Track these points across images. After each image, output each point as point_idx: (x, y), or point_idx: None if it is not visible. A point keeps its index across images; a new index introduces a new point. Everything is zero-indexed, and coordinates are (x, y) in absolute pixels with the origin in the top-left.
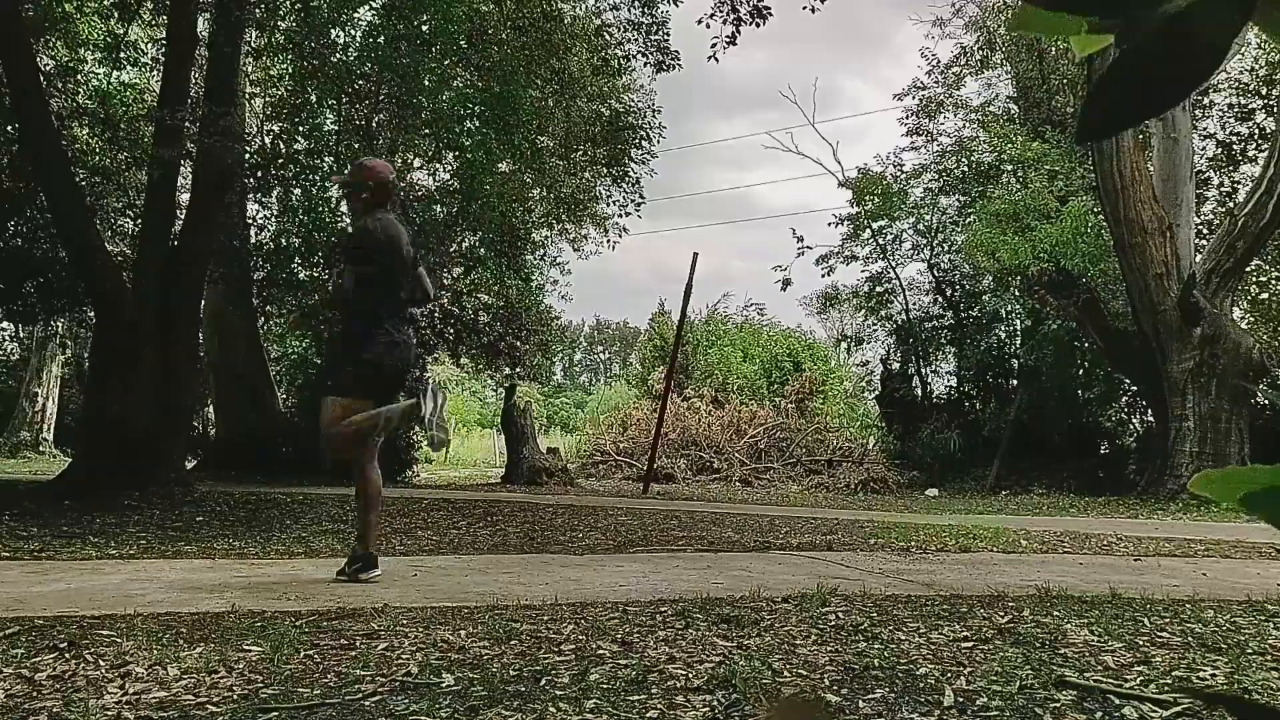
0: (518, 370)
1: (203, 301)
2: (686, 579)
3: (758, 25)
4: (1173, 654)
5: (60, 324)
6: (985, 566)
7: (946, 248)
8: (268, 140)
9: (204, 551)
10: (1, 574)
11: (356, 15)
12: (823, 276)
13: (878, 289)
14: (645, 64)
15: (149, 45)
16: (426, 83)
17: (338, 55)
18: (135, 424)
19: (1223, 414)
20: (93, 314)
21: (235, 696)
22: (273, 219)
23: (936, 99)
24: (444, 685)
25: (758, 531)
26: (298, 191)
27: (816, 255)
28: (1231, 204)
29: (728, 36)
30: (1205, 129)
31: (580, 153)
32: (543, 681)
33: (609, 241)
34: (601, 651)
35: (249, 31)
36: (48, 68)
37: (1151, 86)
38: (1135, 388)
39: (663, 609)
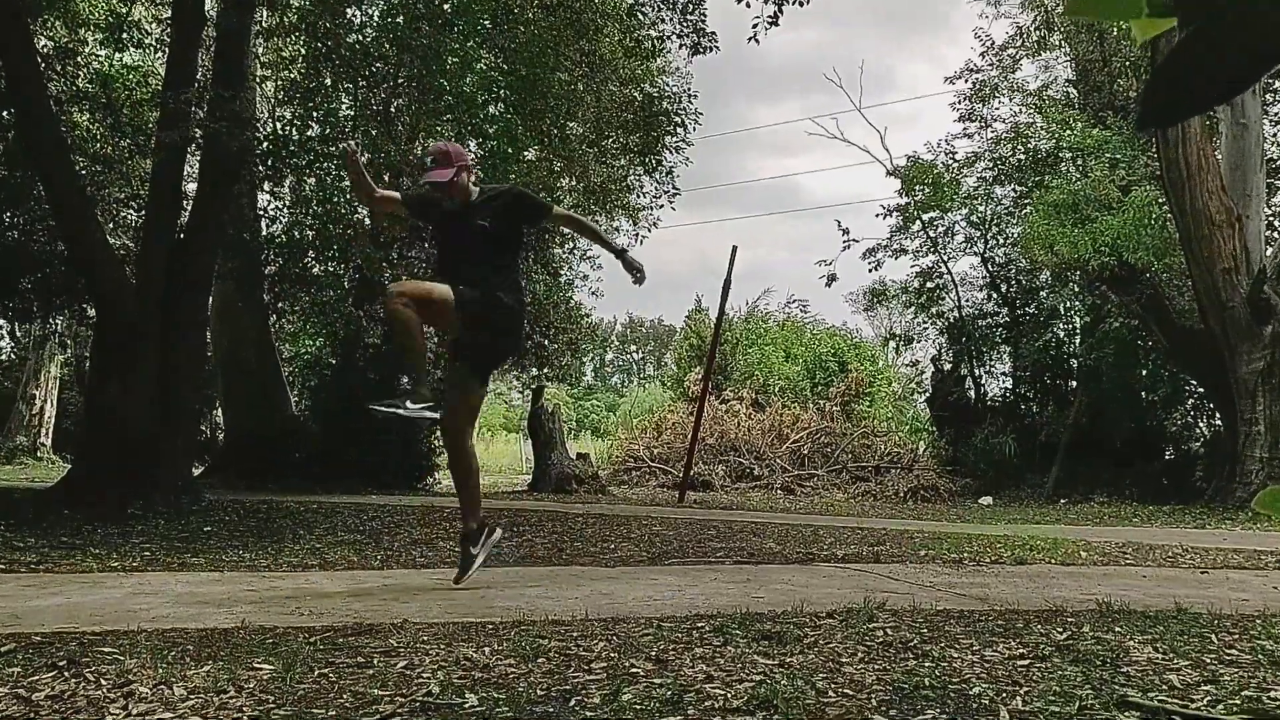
0: (545, 371)
1: (210, 298)
2: (725, 593)
3: (801, 4)
4: (1242, 672)
5: (59, 322)
6: (1042, 579)
7: (1001, 240)
8: (279, 126)
9: (212, 563)
10: None
11: None
12: (870, 271)
13: (928, 284)
14: (681, 46)
15: (153, 25)
16: (448, 65)
17: (354, 36)
18: (138, 428)
19: None
20: (93, 311)
21: (245, 718)
22: (285, 210)
23: (991, 83)
24: (467, 706)
25: (800, 542)
26: (311, 181)
27: (863, 248)
28: None
29: (770, 16)
30: (1277, 114)
31: (611, 139)
32: (572, 702)
33: (638, 235)
34: (635, 670)
35: (259, 10)
36: (46, 49)
37: (1218, 71)
38: (1202, 389)
39: (700, 625)
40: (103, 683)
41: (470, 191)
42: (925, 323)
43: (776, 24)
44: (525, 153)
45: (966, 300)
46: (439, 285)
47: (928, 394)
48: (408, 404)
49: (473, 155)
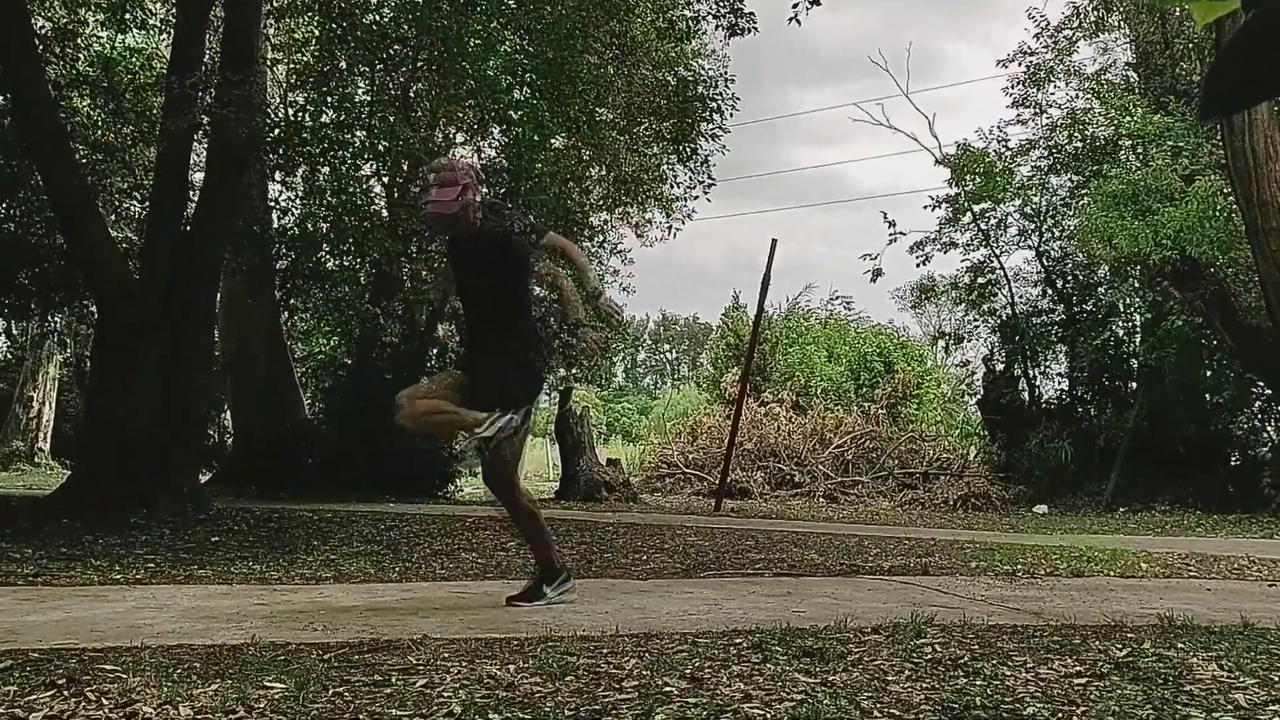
0: (574, 372)
1: (218, 294)
2: (764, 607)
3: None
4: None
5: (58, 320)
6: (1100, 593)
7: (1057, 233)
8: (292, 112)
9: (220, 576)
10: None
11: None
12: (917, 266)
13: (979, 280)
14: (717, 27)
15: (158, 4)
16: (471, 47)
17: (370, 16)
18: (141, 431)
19: None
20: (94, 308)
21: None
22: (297, 201)
23: (1046, 66)
24: None
25: (844, 553)
26: (325, 170)
27: (910, 242)
28: None
29: None
30: None
31: (643, 126)
32: None
33: (670, 228)
34: (668, 688)
35: None
36: (44, 31)
37: None
38: (1269, 391)
39: (737, 641)
40: (104, 702)
41: (474, 220)
42: (976, 320)
43: (818, 3)
44: (552, 140)
45: (1020, 296)
46: (433, 396)
47: (979, 396)
48: (489, 423)
49: (495, 149)
